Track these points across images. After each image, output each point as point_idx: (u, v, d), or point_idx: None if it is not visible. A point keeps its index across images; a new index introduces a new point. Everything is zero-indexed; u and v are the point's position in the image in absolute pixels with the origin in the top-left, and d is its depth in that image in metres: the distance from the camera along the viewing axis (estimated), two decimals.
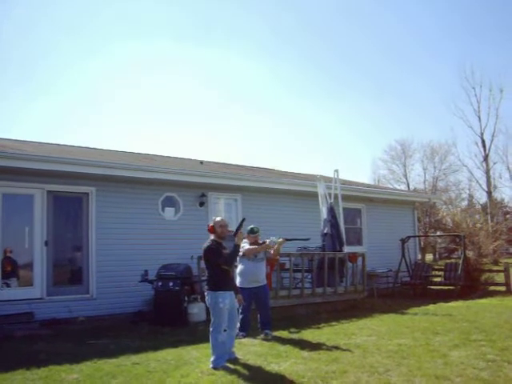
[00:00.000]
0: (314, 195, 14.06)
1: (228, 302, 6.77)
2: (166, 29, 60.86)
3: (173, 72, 64.49)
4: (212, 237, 7.00)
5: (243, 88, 70.89)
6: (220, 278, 6.80)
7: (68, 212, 11.75)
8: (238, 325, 7.44)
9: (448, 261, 22.44)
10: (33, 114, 61.12)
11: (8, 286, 10.67)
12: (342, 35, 66.53)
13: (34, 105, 60.97)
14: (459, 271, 15.97)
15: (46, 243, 11.02)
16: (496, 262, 22.33)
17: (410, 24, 64.77)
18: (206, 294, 6.90)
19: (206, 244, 6.95)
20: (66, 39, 54.92)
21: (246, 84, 70.55)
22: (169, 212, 12.80)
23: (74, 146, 15.73)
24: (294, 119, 71.06)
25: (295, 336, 8.83)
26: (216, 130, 70.87)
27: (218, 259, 6.79)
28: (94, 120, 65.69)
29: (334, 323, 10.19)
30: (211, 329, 6.77)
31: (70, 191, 11.51)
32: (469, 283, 16.20)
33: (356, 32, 65.22)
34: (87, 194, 11.66)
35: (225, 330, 6.70)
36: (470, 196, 45.15)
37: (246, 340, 8.33)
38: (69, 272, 11.83)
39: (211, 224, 7.01)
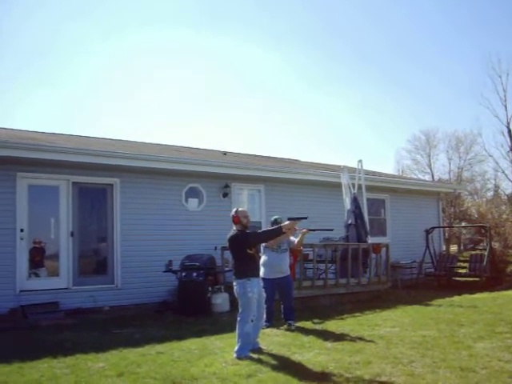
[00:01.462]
0: (338, 186, 14.01)
1: (256, 290, 6.78)
2: (179, 17, 60.53)
3: (184, 60, 64.26)
4: (235, 227, 7.00)
5: (256, 77, 70.31)
6: (247, 266, 6.80)
7: (93, 203, 11.88)
8: (265, 315, 7.45)
9: (473, 252, 22.20)
10: (39, 103, 61.23)
11: (37, 275, 10.87)
12: (362, 22, 65.66)
13: (41, 93, 61.21)
14: (484, 262, 15.78)
15: (72, 234, 11.16)
16: None
17: (439, 11, 63.76)
18: (234, 283, 6.90)
19: (231, 233, 6.96)
20: (76, 25, 54.96)
21: (260, 74, 69.98)
22: (192, 203, 12.86)
23: (97, 138, 15.86)
24: (313, 110, 70.58)
25: (318, 327, 8.83)
26: (228, 119, 70.46)
27: (248, 238, 6.82)
28: (106, 110, 65.73)
29: (357, 314, 10.16)
30: (239, 318, 6.79)
31: (95, 182, 11.65)
32: (494, 275, 16.02)
33: (386, 16, 64.32)
34: (111, 185, 11.77)
35: (252, 321, 6.72)
36: (496, 186, 44.50)
37: (269, 330, 8.35)
38: (94, 262, 11.99)
39: (235, 214, 7.00)
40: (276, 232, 6.96)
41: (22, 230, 10.53)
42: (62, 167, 10.95)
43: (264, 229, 8.62)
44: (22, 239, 10.53)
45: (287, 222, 6.85)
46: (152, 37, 60.54)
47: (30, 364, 6.28)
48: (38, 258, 11.02)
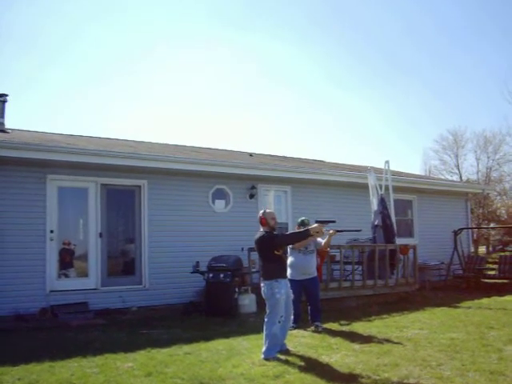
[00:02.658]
0: (365, 187, 13.95)
1: (284, 291, 6.79)
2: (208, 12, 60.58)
3: (206, 56, 64.18)
4: (262, 229, 7.02)
5: (283, 74, 70.06)
6: (275, 267, 6.82)
7: (121, 204, 12.04)
8: (292, 317, 7.46)
9: (502, 253, 21.94)
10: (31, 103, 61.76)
11: (66, 276, 11.04)
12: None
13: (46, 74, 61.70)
14: None
15: (101, 235, 11.30)
16: None
17: (461, 8, 63.05)
18: (261, 284, 6.92)
19: (258, 234, 6.99)
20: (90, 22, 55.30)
21: (283, 71, 69.64)
22: (219, 204, 12.93)
23: (118, 139, 15.95)
24: (339, 110, 70.16)
25: (346, 328, 8.82)
26: (249, 118, 70.26)
27: (281, 238, 6.84)
28: (120, 110, 66.01)
29: (384, 316, 10.12)
30: (266, 319, 6.81)
31: (123, 184, 11.78)
32: None
33: (410, 14, 63.82)
34: (139, 186, 11.89)
35: (279, 322, 6.73)
36: None
37: (296, 332, 8.36)
38: (122, 263, 12.13)
39: (262, 216, 7.03)
40: (303, 235, 6.96)
41: (51, 231, 10.70)
42: (91, 169, 11.10)
43: (291, 231, 8.64)
44: (51, 240, 10.70)
45: (315, 225, 6.84)
46: (165, 30, 60.81)
47: (61, 363, 6.38)
48: (68, 258, 11.18)
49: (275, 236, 6.92)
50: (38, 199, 10.60)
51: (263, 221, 6.97)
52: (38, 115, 56.77)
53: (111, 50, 59.52)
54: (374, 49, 66.76)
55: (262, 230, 7.00)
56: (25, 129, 14.27)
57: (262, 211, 7.15)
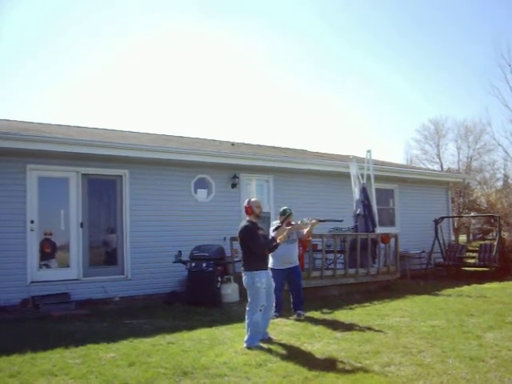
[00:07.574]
0: (347, 176, 13.99)
1: (265, 280, 6.80)
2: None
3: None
4: (248, 218, 7.01)
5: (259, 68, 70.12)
6: (256, 258, 6.83)
7: (102, 194, 11.96)
8: (274, 305, 7.48)
9: (482, 242, 22.16)
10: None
11: (48, 266, 10.96)
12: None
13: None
14: (494, 252, 15.75)
15: (82, 225, 11.23)
16: None
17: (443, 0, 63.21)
18: (243, 274, 6.93)
19: (242, 224, 6.97)
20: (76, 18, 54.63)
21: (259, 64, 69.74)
22: (201, 193, 12.89)
23: (103, 129, 15.84)
24: (322, 103, 70.32)
25: (328, 317, 8.87)
26: (230, 108, 70.25)
27: (252, 242, 6.82)
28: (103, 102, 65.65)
29: (366, 304, 10.19)
30: (248, 308, 6.83)
31: (104, 174, 11.70)
32: (504, 265, 15.97)
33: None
34: (121, 176, 11.82)
35: (260, 310, 6.74)
36: (506, 176, 44.09)
37: (278, 320, 8.40)
38: (104, 253, 12.07)
39: (247, 205, 7.02)
40: (270, 243, 7.06)
41: (32, 222, 10.60)
42: (71, 159, 11.00)
43: (275, 221, 8.70)
44: (32, 230, 10.61)
45: (281, 229, 7.16)
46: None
47: (43, 354, 6.34)
48: (49, 249, 11.09)
49: (252, 237, 6.86)
50: (18, 189, 10.49)
51: (248, 210, 6.97)
52: None
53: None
54: (362, 34, 66.87)
55: (248, 218, 6.98)
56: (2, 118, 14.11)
57: (246, 200, 7.15)
